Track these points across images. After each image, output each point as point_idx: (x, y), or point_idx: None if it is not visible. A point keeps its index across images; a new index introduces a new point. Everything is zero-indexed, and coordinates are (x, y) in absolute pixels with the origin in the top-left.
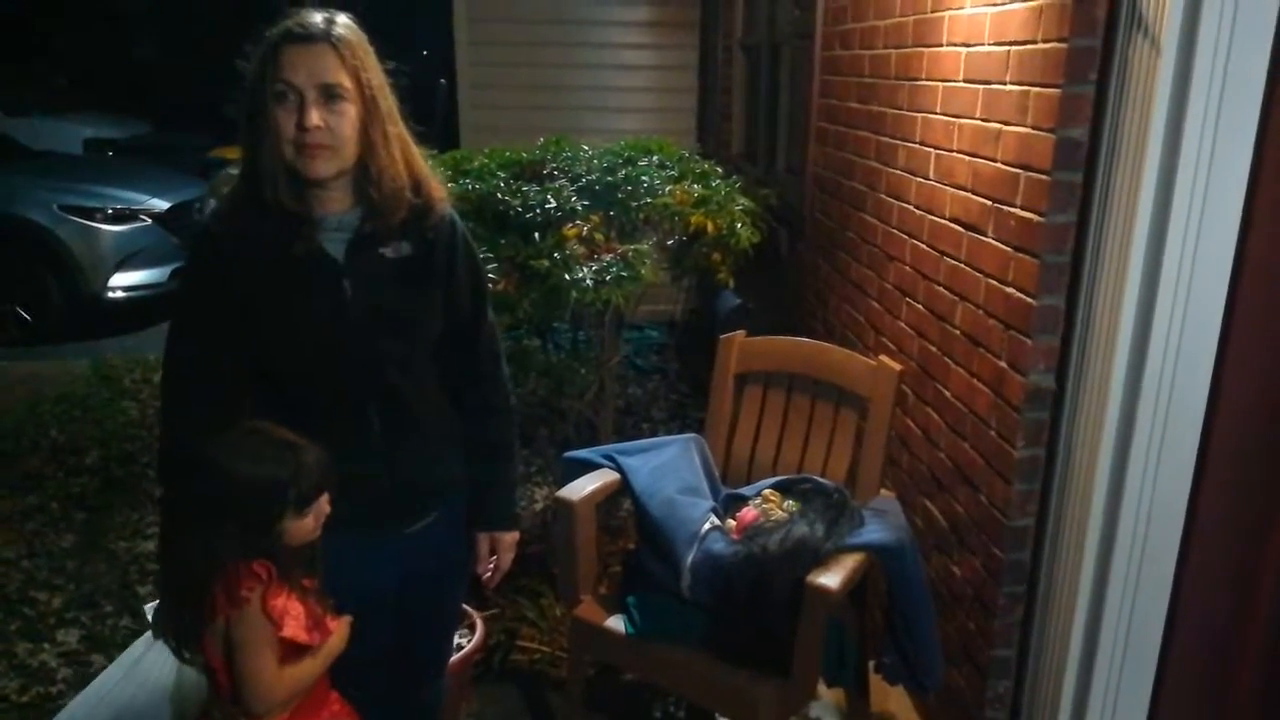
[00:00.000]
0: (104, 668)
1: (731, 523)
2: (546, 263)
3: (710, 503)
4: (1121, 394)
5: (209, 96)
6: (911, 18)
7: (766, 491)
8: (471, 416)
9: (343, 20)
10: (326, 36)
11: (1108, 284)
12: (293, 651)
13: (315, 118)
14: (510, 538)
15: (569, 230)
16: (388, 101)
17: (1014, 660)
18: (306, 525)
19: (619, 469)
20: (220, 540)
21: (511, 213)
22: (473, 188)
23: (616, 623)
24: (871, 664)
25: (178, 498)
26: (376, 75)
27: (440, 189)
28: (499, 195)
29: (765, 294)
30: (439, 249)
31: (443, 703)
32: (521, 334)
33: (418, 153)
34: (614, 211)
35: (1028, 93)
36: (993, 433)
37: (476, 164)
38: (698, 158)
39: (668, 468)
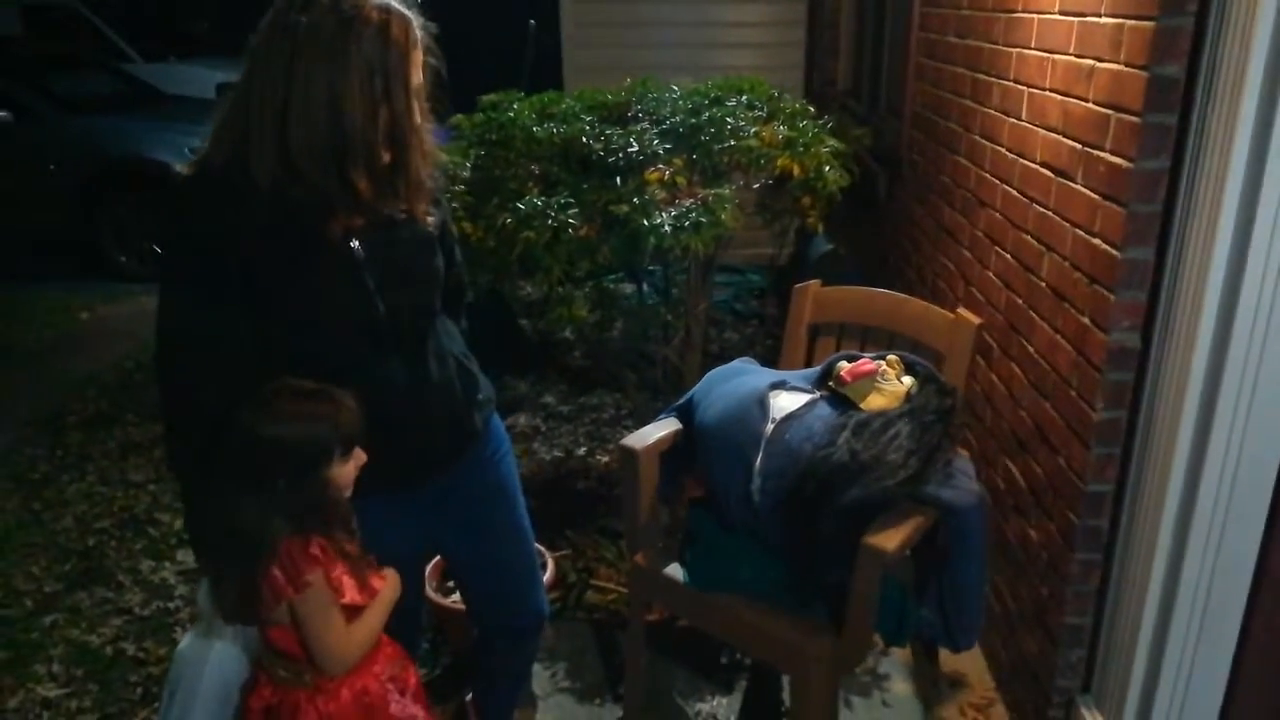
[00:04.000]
0: None
1: (846, 365)
2: (626, 208)
3: (772, 377)
4: (1208, 354)
5: None
6: None
7: (891, 357)
8: None
9: None
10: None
11: (1197, 237)
12: (351, 612)
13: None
14: None
15: (651, 174)
16: None
17: (1089, 629)
18: (349, 472)
19: (686, 408)
20: (272, 504)
21: (594, 157)
22: (557, 131)
23: (676, 571)
24: None
25: (210, 475)
26: None
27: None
28: (583, 140)
29: (861, 239)
30: (439, 206)
31: (538, 637)
32: (612, 278)
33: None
34: (697, 155)
35: (1122, 26)
36: (1073, 393)
37: (563, 106)
38: (788, 97)
39: (720, 373)
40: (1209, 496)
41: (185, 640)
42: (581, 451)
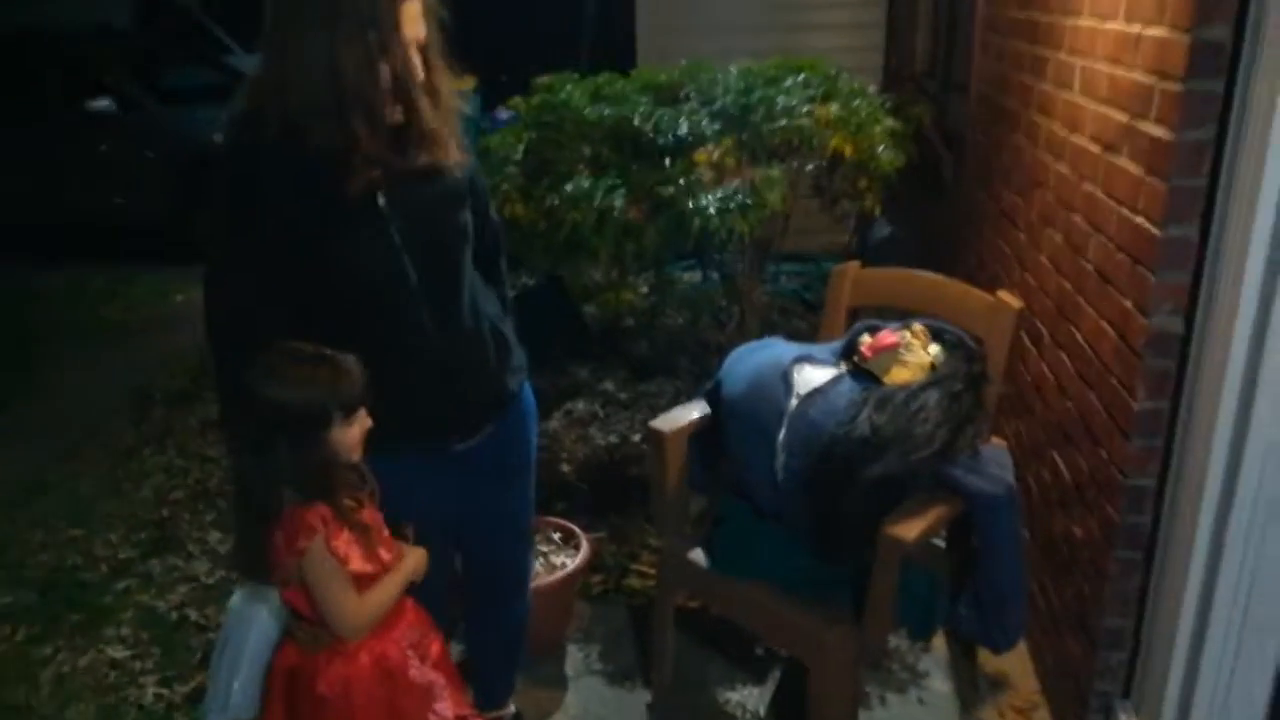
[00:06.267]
0: None
1: (868, 339)
2: (672, 189)
3: (796, 351)
4: (1247, 340)
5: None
6: None
7: (916, 326)
8: None
9: None
10: None
11: (1239, 212)
12: (363, 580)
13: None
14: None
15: (699, 155)
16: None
17: (1129, 632)
18: (353, 435)
19: (714, 391)
20: (276, 466)
21: (644, 139)
22: (606, 113)
23: (700, 556)
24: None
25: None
26: None
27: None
28: (633, 121)
29: (926, 223)
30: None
31: (528, 613)
32: (682, 265)
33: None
34: (747, 135)
35: None
36: (1115, 381)
37: (617, 87)
38: (845, 76)
39: (744, 350)
40: (1248, 491)
41: (236, 596)
42: (636, 438)
